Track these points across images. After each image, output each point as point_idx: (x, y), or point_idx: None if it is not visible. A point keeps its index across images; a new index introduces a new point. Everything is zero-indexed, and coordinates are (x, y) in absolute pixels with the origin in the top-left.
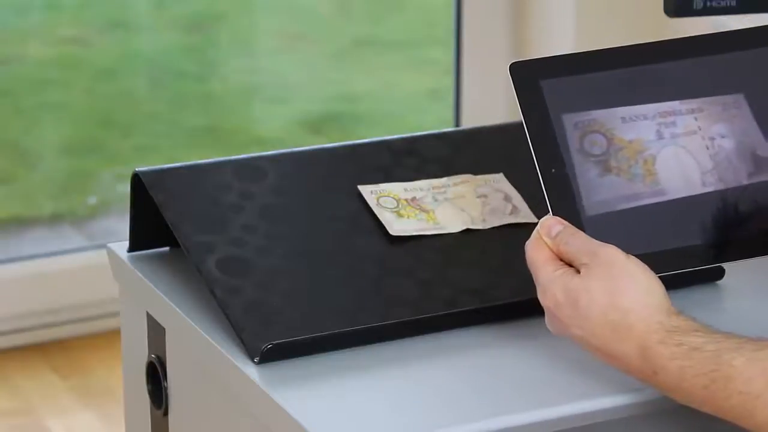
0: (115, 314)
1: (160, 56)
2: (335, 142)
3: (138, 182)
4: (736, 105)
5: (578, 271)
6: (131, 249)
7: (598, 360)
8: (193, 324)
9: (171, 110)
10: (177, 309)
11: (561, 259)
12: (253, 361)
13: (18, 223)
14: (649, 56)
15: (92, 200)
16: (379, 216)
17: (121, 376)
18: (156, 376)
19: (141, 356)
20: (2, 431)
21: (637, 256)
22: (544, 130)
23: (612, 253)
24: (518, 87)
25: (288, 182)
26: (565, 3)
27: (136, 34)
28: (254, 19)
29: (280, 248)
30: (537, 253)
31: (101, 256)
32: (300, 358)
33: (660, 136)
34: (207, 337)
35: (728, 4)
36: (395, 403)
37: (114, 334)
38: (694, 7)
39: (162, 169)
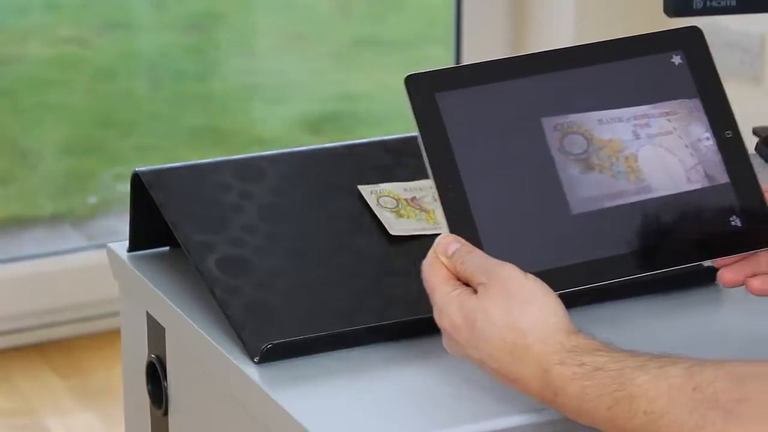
0: (115, 314)
1: (160, 56)
2: (335, 142)
3: (138, 182)
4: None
5: (475, 291)
6: (131, 249)
7: (499, 382)
8: (193, 324)
9: (171, 110)
10: (177, 309)
11: (458, 279)
12: (253, 361)
13: (18, 223)
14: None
15: (92, 200)
16: (379, 216)
17: (121, 376)
18: (156, 376)
19: (141, 356)
20: (2, 431)
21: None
22: (440, 146)
23: (509, 272)
24: (413, 101)
25: (288, 182)
26: (565, 3)
27: (136, 34)
28: (254, 19)
29: (280, 248)
30: (433, 272)
31: (101, 256)
32: (300, 358)
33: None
34: (207, 337)
35: (728, 4)
36: (395, 404)
37: (114, 334)
38: (694, 7)
39: (162, 169)
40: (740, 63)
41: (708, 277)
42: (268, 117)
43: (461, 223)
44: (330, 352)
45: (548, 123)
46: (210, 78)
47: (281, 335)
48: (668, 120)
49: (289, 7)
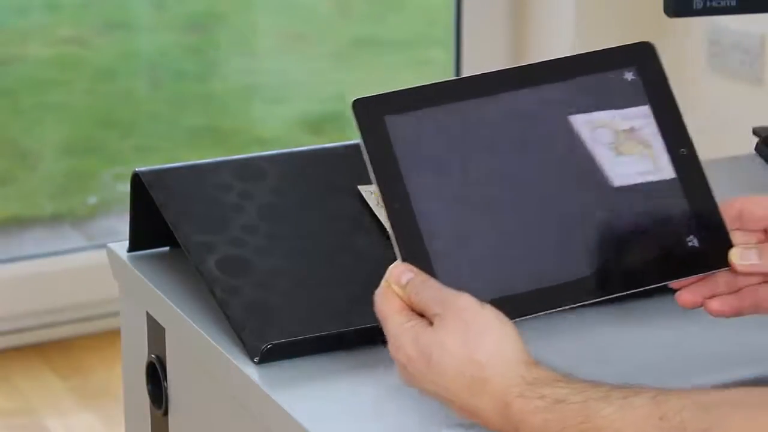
0: (115, 314)
1: (160, 56)
2: (335, 142)
3: (138, 182)
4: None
5: (431, 323)
6: (131, 249)
7: (457, 415)
8: (193, 324)
9: (171, 110)
10: (177, 309)
11: (413, 310)
12: (253, 361)
13: (18, 223)
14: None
15: (92, 200)
16: (379, 216)
17: (121, 376)
18: (156, 376)
19: (141, 356)
20: (2, 431)
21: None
22: (390, 172)
23: (465, 302)
24: (362, 126)
25: (288, 182)
26: (565, 3)
27: (136, 34)
28: (254, 19)
29: (280, 248)
30: (386, 304)
31: (101, 256)
32: (300, 358)
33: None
34: (207, 337)
35: (728, 4)
36: (395, 404)
37: (114, 334)
38: (694, 7)
39: (162, 169)
40: (740, 63)
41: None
42: (268, 117)
43: (414, 251)
44: (330, 352)
45: (503, 145)
46: (210, 78)
47: (281, 335)
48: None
49: (289, 7)
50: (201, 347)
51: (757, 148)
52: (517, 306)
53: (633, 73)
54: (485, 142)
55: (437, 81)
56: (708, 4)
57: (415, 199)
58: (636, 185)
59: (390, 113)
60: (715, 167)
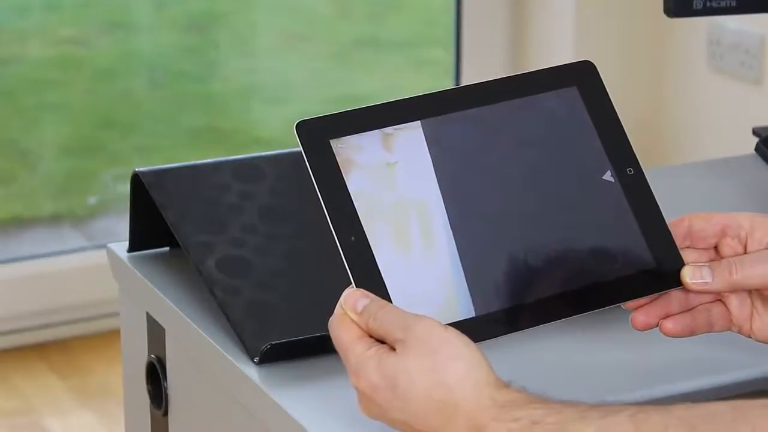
0: (114, 314)
1: (160, 56)
2: None
3: (138, 182)
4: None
5: (393, 349)
6: (131, 249)
7: None
8: (193, 324)
9: (171, 110)
10: (177, 309)
11: (371, 336)
12: (253, 361)
13: (18, 223)
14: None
15: (92, 200)
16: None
17: (121, 376)
18: (156, 376)
19: (141, 356)
20: (2, 431)
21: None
22: (338, 196)
23: (428, 325)
24: (307, 150)
25: (287, 182)
26: (565, 3)
27: (136, 34)
28: (254, 19)
29: (280, 248)
30: (344, 331)
31: (101, 256)
32: (300, 358)
33: None
34: (207, 337)
35: (728, 4)
36: None
37: (114, 334)
38: (694, 7)
39: (162, 169)
40: (740, 64)
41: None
42: (268, 117)
43: (367, 276)
44: (330, 352)
45: (450, 167)
46: (210, 78)
47: (281, 336)
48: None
49: (289, 7)
50: (201, 347)
51: (757, 148)
52: (476, 330)
53: (574, 93)
54: (432, 164)
55: (381, 102)
56: (708, 4)
57: (366, 225)
58: (587, 207)
59: (335, 135)
60: (715, 167)
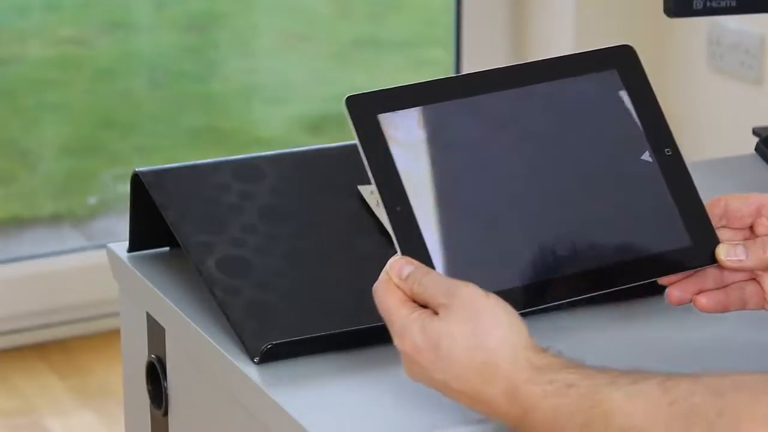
0: (114, 314)
1: (160, 56)
2: (335, 142)
3: (138, 182)
4: None
5: (436, 313)
6: (131, 249)
7: (464, 406)
8: (193, 324)
9: (171, 110)
10: (177, 309)
11: (415, 301)
12: (253, 361)
13: (18, 223)
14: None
15: (92, 200)
16: (379, 216)
17: (121, 376)
18: (156, 376)
19: (141, 356)
20: (2, 431)
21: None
22: (386, 168)
23: (470, 291)
24: (356, 123)
25: (287, 182)
26: (565, 3)
27: (136, 34)
28: (254, 19)
29: (280, 248)
30: (389, 296)
31: (101, 256)
32: (300, 358)
33: None
34: (207, 337)
35: (728, 4)
36: (395, 404)
37: (114, 334)
38: (694, 7)
39: (162, 169)
40: (740, 64)
41: None
42: (268, 117)
43: (412, 245)
44: (330, 352)
45: (497, 142)
46: (210, 78)
47: (281, 335)
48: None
49: (289, 7)
50: (201, 347)
51: (757, 148)
52: (516, 299)
53: (614, 75)
54: (479, 139)
55: (429, 79)
56: (708, 4)
57: (411, 194)
58: (626, 185)
59: (383, 110)
60: (715, 167)
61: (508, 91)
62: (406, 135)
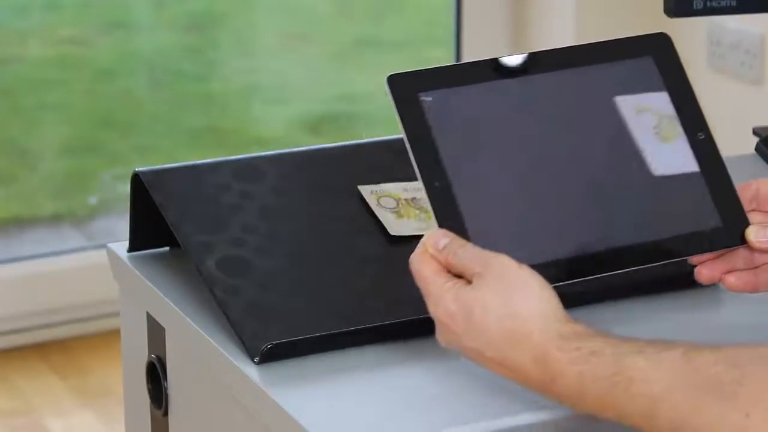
0: (114, 314)
1: (160, 56)
2: (335, 142)
3: (138, 182)
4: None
5: (470, 282)
6: (131, 249)
7: (494, 373)
8: (193, 324)
9: (171, 110)
10: (177, 309)
11: (450, 272)
12: (253, 361)
13: (18, 223)
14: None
15: (92, 200)
16: (379, 216)
17: (121, 376)
18: (156, 376)
19: (141, 356)
20: (2, 431)
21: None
22: (425, 144)
23: (504, 262)
24: (397, 101)
25: (288, 182)
26: (565, 3)
27: (136, 34)
28: (254, 19)
29: (280, 248)
30: (425, 266)
31: (101, 256)
32: (300, 358)
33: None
34: (207, 337)
35: (728, 4)
36: (395, 404)
37: (114, 334)
38: (694, 7)
39: (162, 169)
40: (740, 64)
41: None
42: (268, 117)
43: (449, 218)
44: (330, 353)
45: (536, 122)
46: (210, 78)
47: (281, 335)
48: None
49: (289, 7)
50: (201, 347)
51: (757, 148)
52: (548, 273)
53: (650, 61)
54: (516, 119)
55: (469, 60)
56: (708, 4)
57: (449, 169)
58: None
59: (423, 90)
60: None
61: (544, 74)
62: (445, 113)
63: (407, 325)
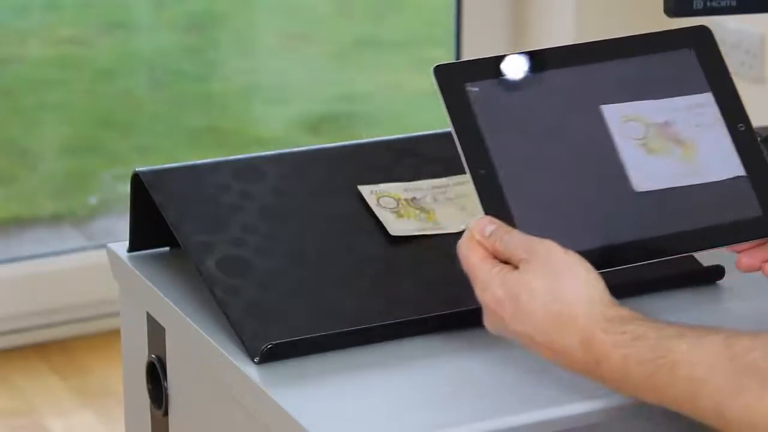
0: (115, 314)
1: (160, 56)
2: (335, 142)
3: (138, 182)
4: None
5: (516, 267)
6: (131, 249)
7: (540, 357)
8: (193, 324)
9: (171, 110)
10: (177, 309)
11: (497, 258)
12: (253, 361)
13: (18, 223)
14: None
15: (92, 200)
16: (379, 216)
17: (121, 376)
18: (156, 376)
19: (141, 356)
20: (2, 431)
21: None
22: (471, 133)
23: (550, 247)
24: (444, 91)
25: (288, 182)
26: (565, 3)
27: (136, 34)
28: (254, 19)
29: (280, 248)
30: (472, 252)
31: (101, 256)
32: (300, 358)
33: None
34: (207, 337)
35: (728, 4)
36: (395, 404)
37: (114, 334)
38: (694, 7)
39: (162, 169)
40: (740, 63)
41: (712, 276)
42: (268, 117)
43: (495, 205)
44: (330, 353)
45: (608, 110)
46: (210, 78)
47: (281, 335)
48: (698, 114)
49: (289, 7)
50: (201, 347)
51: None
52: (592, 259)
53: (691, 53)
54: (558, 109)
55: (512, 52)
56: (708, 4)
57: (495, 158)
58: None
59: (469, 80)
60: None
61: (587, 66)
62: (490, 103)
63: (407, 325)
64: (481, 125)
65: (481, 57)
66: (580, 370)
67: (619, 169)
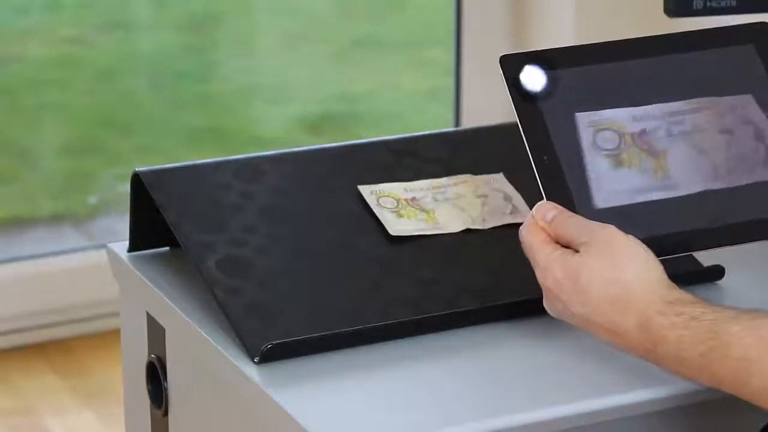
0: (115, 314)
1: (160, 56)
2: (335, 142)
3: (138, 182)
4: (745, 105)
5: (576, 251)
6: (131, 249)
7: (599, 340)
8: (193, 324)
9: (171, 110)
10: (177, 309)
11: (558, 242)
12: (253, 361)
13: (18, 223)
14: (647, 50)
15: (92, 200)
16: (379, 216)
17: (121, 376)
18: (156, 376)
19: (141, 356)
20: (2, 431)
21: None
22: (535, 121)
23: (611, 231)
24: (509, 80)
25: (288, 182)
26: (565, 3)
27: (136, 34)
28: (254, 19)
29: (280, 248)
30: (533, 236)
31: (101, 256)
32: (300, 358)
33: (669, 132)
34: (207, 337)
35: (728, 4)
36: (395, 403)
37: (114, 334)
38: (694, 7)
39: (162, 169)
40: None
41: (712, 275)
42: (268, 117)
43: (557, 191)
44: (330, 352)
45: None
46: (210, 78)
47: (281, 335)
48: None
49: (289, 7)
50: (201, 347)
51: None
52: (652, 246)
53: (752, 50)
54: (620, 100)
55: (577, 44)
56: (708, 4)
57: (558, 147)
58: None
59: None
60: None
61: (648, 59)
62: (553, 92)
63: (407, 325)
64: (546, 116)
65: (546, 48)
66: (637, 352)
67: (682, 160)
